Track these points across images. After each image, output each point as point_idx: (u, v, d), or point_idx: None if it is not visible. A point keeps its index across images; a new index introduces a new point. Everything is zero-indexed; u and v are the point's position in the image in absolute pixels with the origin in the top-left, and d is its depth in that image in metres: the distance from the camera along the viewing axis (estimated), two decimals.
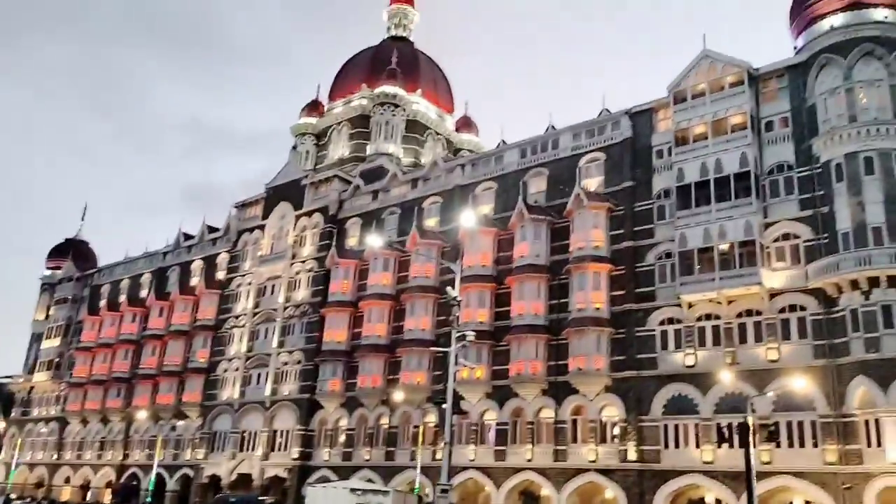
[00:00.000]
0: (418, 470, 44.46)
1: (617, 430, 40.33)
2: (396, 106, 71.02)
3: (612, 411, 40.82)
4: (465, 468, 44.78)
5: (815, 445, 34.20)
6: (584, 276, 43.01)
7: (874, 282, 33.84)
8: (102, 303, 78.49)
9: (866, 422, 32.95)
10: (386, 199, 57.82)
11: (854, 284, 34.28)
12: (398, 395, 48.55)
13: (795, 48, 40.95)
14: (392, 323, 52.70)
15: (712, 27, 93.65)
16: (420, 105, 75.50)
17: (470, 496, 46.08)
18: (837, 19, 38.35)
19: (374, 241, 45.98)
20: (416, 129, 73.68)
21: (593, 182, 45.82)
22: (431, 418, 47.86)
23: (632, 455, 39.12)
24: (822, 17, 39.04)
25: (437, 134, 76.67)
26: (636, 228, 42.96)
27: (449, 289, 26.18)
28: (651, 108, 44.72)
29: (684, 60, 43.47)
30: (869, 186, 35.25)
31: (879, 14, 37.79)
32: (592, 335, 41.62)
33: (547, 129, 50.31)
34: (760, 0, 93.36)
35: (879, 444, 32.25)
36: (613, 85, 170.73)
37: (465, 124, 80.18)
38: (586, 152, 46.80)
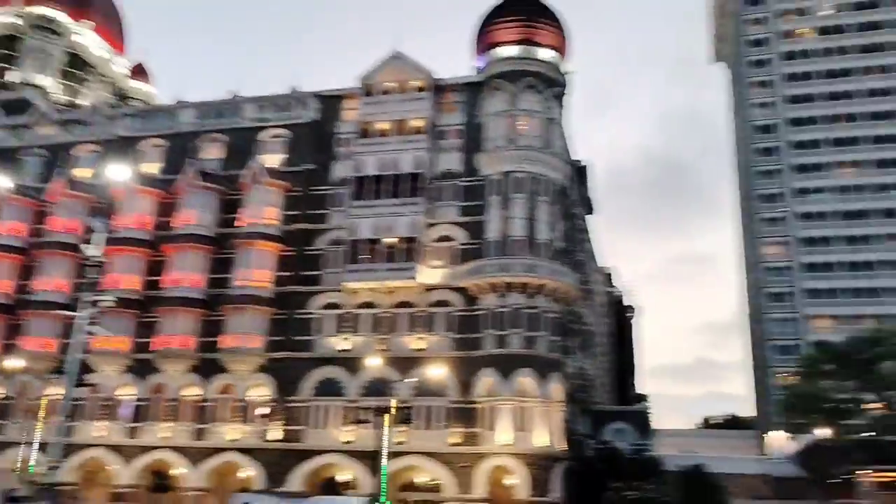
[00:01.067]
0: (28, 445, 38.41)
1: (265, 410, 39.89)
2: (55, 33, 61.87)
3: (263, 391, 40.33)
4: (91, 445, 40.60)
5: (445, 428, 37.64)
6: (250, 253, 41.86)
7: (510, 287, 38.43)
8: None
9: (486, 408, 37.22)
10: (29, 138, 50.02)
11: (494, 287, 38.57)
12: (16, 363, 41.89)
13: (478, 68, 44.63)
14: (20, 280, 45.54)
15: (417, 27, 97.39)
16: (86, 38, 66.60)
17: (96, 474, 41.74)
18: (512, 50, 42.80)
19: (4, 182, 39.23)
20: (77, 65, 64.89)
21: (273, 158, 44.80)
22: (60, 390, 42.14)
23: (276, 435, 39.07)
24: (499, 45, 43.20)
25: (104, 76, 68.46)
26: (310, 212, 43.07)
27: (83, 246, 22.95)
28: (341, 95, 45.31)
29: (382, 54, 44.62)
30: (516, 203, 39.99)
31: (546, 54, 43.04)
32: (251, 314, 40.75)
33: (234, 97, 47.85)
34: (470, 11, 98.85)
35: (493, 428, 36.69)
36: (307, 64, 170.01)
37: (140, 72, 73.17)
38: (269, 127, 45.65)
